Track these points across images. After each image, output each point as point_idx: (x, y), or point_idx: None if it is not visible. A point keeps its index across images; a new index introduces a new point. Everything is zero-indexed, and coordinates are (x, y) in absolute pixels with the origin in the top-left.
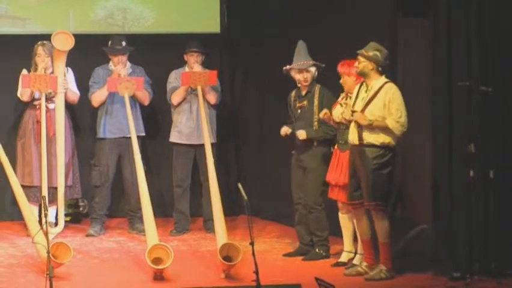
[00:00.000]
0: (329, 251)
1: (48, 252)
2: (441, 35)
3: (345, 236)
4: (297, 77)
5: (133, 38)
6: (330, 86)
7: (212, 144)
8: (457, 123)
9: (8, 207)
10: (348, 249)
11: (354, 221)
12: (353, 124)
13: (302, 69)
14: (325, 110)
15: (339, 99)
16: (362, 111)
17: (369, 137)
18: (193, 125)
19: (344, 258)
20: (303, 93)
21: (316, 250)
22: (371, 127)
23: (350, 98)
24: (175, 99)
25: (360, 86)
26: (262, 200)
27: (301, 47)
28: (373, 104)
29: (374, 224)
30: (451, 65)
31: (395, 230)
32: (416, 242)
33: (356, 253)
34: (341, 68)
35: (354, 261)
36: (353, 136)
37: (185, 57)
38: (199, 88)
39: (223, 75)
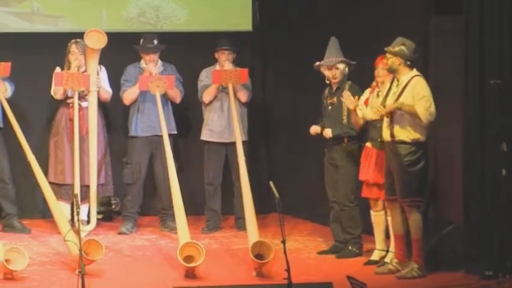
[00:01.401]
0: (361, 248)
1: (80, 250)
2: (473, 33)
3: (377, 235)
4: (326, 73)
5: (164, 36)
6: (362, 84)
7: (243, 142)
8: (489, 121)
9: (40, 205)
10: (380, 247)
11: (388, 218)
12: (385, 121)
13: (331, 66)
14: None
15: (367, 94)
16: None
17: (401, 134)
18: (224, 123)
19: (375, 256)
20: (334, 89)
21: (349, 248)
22: (401, 110)
23: (378, 95)
24: (206, 97)
25: (392, 82)
26: (294, 198)
27: (333, 43)
28: (403, 97)
29: (408, 220)
30: (483, 63)
31: (427, 228)
32: (448, 241)
33: (387, 251)
34: (379, 60)
35: (386, 259)
36: (385, 133)
37: (216, 55)
38: (230, 86)
39: (254, 73)
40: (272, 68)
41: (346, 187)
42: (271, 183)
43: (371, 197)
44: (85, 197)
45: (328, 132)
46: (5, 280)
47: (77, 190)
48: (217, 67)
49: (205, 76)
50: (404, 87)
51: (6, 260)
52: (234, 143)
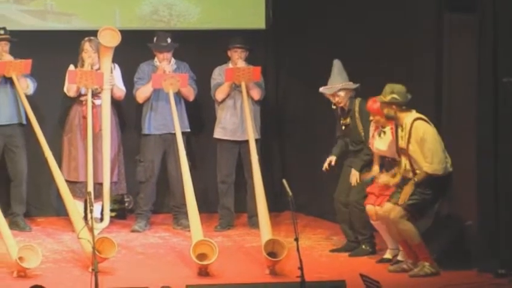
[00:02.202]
0: (375, 247)
1: (93, 248)
2: (487, 31)
3: (385, 237)
4: (331, 99)
5: (178, 34)
6: (378, 85)
7: (256, 141)
8: (502, 119)
9: (54, 202)
10: (391, 246)
11: (385, 227)
12: (403, 164)
13: (333, 93)
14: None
15: (372, 130)
16: (406, 148)
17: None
18: (237, 121)
19: (388, 254)
20: (346, 110)
21: (363, 246)
22: (418, 184)
23: (380, 135)
24: (219, 95)
25: (397, 127)
26: (307, 196)
27: (335, 67)
28: (411, 143)
29: (400, 231)
30: (497, 61)
31: (441, 227)
32: (462, 239)
33: (399, 249)
34: (371, 106)
35: (399, 258)
36: (407, 172)
37: (229, 54)
38: (243, 84)
39: (267, 71)
40: (285, 66)
41: (360, 190)
42: (284, 181)
43: (369, 203)
44: (98, 195)
45: (355, 175)
46: (19, 278)
47: (90, 188)
48: (230, 65)
49: (217, 74)
50: (409, 132)
51: (20, 258)
52: (246, 141)
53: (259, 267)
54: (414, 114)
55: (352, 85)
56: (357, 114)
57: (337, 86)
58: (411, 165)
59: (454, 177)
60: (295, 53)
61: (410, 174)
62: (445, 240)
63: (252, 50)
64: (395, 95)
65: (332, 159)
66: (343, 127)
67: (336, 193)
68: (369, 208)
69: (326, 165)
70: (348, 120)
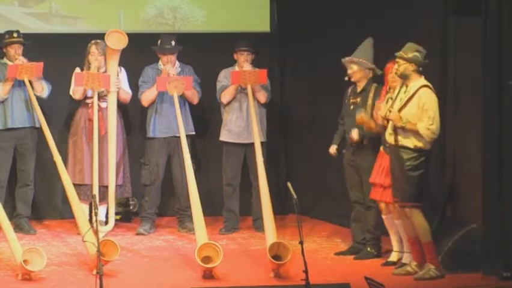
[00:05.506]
0: (380, 250)
1: (98, 251)
2: (491, 34)
3: (392, 237)
4: (347, 70)
5: (182, 37)
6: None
7: (262, 143)
8: (507, 122)
9: (59, 205)
10: (397, 249)
11: (397, 221)
12: (389, 126)
13: (347, 64)
14: (361, 114)
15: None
16: (399, 111)
17: (404, 140)
18: (243, 123)
19: (393, 257)
20: (358, 90)
21: (368, 249)
22: (404, 129)
23: (391, 98)
24: (224, 98)
25: (400, 87)
26: (312, 199)
27: (364, 43)
28: (408, 106)
29: (413, 225)
30: (502, 64)
31: (446, 229)
32: (466, 242)
33: (404, 252)
34: (390, 67)
35: (404, 261)
36: (389, 137)
37: (235, 56)
38: (249, 87)
39: (273, 74)
40: (290, 69)
41: (369, 188)
42: (289, 184)
43: (376, 199)
44: (103, 197)
45: (355, 134)
46: (23, 281)
47: (95, 191)
48: (236, 68)
49: (223, 77)
50: (412, 95)
51: (25, 261)
52: (252, 144)
53: (264, 270)
54: (423, 80)
55: (365, 63)
56: (369, 100)
57: (349, 59)
58: (395, 129)
59: (459, 180)
60: (300, 56)
61: (392, 141)
62: (450, 243)
63: (258, 53)
64: (418, 54)
65: (333, 148)
66: (351, 106)
67: (351, 194)
68: (381, 204)
69: (332, 152)
70: (358, 99)
